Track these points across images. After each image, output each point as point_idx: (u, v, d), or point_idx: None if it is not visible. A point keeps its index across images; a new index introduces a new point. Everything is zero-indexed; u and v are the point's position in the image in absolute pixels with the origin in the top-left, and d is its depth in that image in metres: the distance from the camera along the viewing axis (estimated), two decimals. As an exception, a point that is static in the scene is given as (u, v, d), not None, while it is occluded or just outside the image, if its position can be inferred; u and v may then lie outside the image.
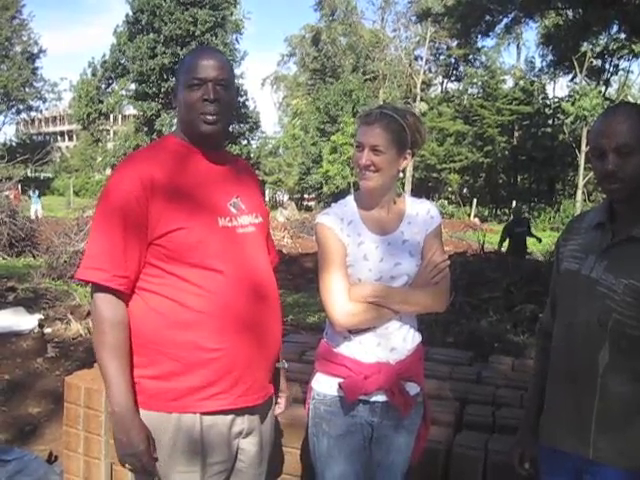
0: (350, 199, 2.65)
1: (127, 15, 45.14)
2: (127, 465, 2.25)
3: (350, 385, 2.49)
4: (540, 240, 14.75)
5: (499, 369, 4.58)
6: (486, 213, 45.84)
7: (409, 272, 2.52)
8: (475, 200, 42.77)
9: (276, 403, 2.64)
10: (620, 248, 2.17)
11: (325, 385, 2.58)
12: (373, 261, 2.49)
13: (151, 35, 43.04)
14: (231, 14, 46.61)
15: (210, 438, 2.27)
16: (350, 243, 2.50)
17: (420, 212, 2.63)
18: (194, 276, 2.21)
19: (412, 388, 2.62)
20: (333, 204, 2.68)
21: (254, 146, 51.97)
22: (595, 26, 10.33)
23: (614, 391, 2.15)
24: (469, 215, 40.67)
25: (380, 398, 2.54)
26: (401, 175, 2.65)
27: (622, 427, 2.16)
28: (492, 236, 15.75)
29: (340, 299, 2.44)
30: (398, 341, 2.55)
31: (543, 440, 2.39)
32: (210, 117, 2.27)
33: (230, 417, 2.31)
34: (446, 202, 44.71)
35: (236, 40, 47.61)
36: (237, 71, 47.63)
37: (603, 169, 2.13)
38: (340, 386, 2.50)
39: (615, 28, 12.49)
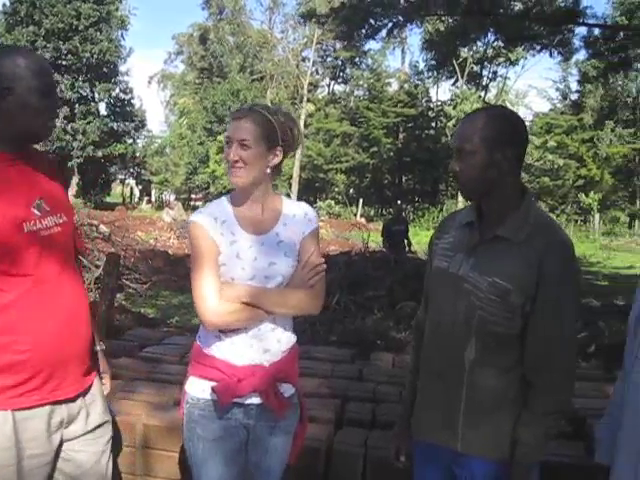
0: (225, 198, 2.61)
1: (4, 5, 43.24)
2: None
3: (223, 388, 2.45)
4: (410, 244, 14.80)
5: (380, 366, 4.64)
6: (372, 213, 46.56)
7: (284, 273, 2.50)
8: (361, 200, 43.35)
9: (103, 384, 2.71)
10: (486, 247, 2.23)
11: (198, 388, 2.53)
12: (246, 260, 2.46)
13: (31, 28, 41.32)
14: (116, 9, 45.38)
15: (26, 433, 2.30)
16: (223, 242, 2.46)
17: (297, 214, 2.61)
18: (3, 283, 2.25)
19: (287, 389, 2.60)
20: (208, 203, 2.65)
21: (140, 145, 50.94)
22: (472, 33, 10.67)
23: (480, 386, 2.22)
24: (355, 215, 41.19)
25: (255, 400, 2.51)
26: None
27: (488, 420, 2.23)
28: (377, 235, 15.98)
29: (210, 298, 2.40)
30: (272, 343, 2.52)
31: (416, 434, 2.44)
32: None
33: (47, 410, 2.36)
34: (333, 202, 45.08)
35: (121, 36, 46.39)
36: (122, 68, 46.68)
37: (449, 168, 2.24)
38: (213, 389, 2.47)
39: (492, 36, 12.99)
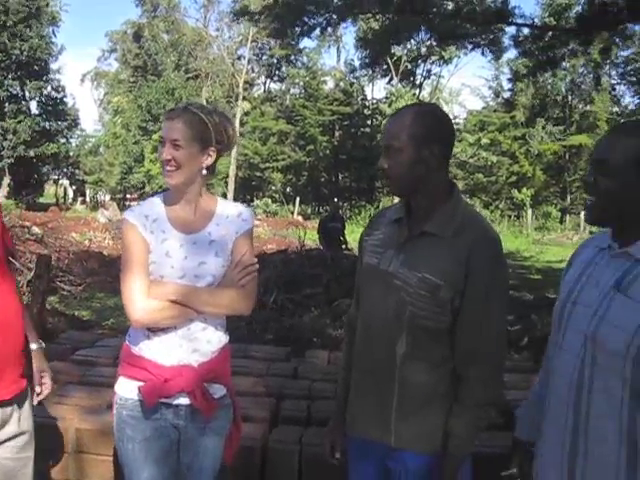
0: (158, 197, 2.61)
1: None
2: None
3: (149, 389, 2.45)
4: (347, 242, 14.87)
5: (315, 363, 4.67)
6: (309, 211, 46.56)
7: (214, 272, 2.50)
8: (298, 198, 43.35)
9: (43, 384, 2.69)
10: (415, 243, 2.26)
11: (127, 389, 2.52)
12: (176, 259, 2.46)
13: (-44, 23, 40.23)
14: (47, 5, 44.27)
15: None
16: (153, 240, 2.46)
17: (230, 214, 2.61)
18: None
19: (218, 390, 2.60)
20: (141, 202, 2.64)
21: (73, 144, 49.94)
22: (405, 32, 10.78)
23: (412, 381, 2.25)
24: (292, 213, 41.16)
25: (184, 401, 2.51)
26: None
27: (420, 414, 2.26)
28: (314, 233, 16.01)
29: (138, 295, 2.40)
30: (202, 343, 2.52)
31: (349, 430, 2.46)
32: None
33: None
34: (270, 201, 44.93)
35: (53, 33, 45.34)
36: (54, 66, 45.67)
37: (377, 166, 2.27)
38: (139, 390, 2.46)
39: (425, 35, 13.14)
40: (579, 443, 1.95)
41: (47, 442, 2.77)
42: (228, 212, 2.62)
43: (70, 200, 51.92)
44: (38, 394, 2.67)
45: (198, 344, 2.51)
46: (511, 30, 11.11)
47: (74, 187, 54.42)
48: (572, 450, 1.97)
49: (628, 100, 52.05)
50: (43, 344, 2.73)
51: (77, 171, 51.12)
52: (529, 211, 40.53)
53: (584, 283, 2.05)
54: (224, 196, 37.73)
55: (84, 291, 11.62)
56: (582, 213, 41.31)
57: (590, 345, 1.93)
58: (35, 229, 15.78)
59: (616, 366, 1.87)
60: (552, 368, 2.13)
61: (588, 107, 46.97)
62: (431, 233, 2.23)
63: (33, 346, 2.64)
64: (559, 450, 2.02)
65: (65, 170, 51.13)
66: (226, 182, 45.09)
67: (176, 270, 2.46)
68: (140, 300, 2.40)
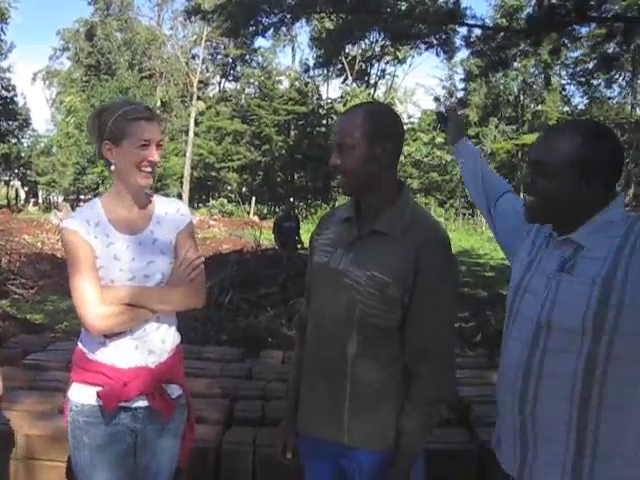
0: (97, 201, 2.58)
1: None
2: None
3: (109, 393, 2.42)
4: (302, 243, 14.84)
5: (270, 363, 4.68)
6: (265, 211, 46.50)
7: (163, 270, 2.50)
8: (254, 198, 43.29)
9: None
10: (364, 241, 2.28)
11: (82, 395, 2.49)
12: (124, 261, 2.44)
13: None
14: (-5, 1, 43.77)
15: None
16: (98, 245, 2.43)
17: (169, 211, 2.62)
18: None
19: (174, 390, 2.60)
20: (78, 207, 2.61)
21: (25, 145, 49.27)
22: (357, 31, 10.81)
23: (363, 379, 2.26)
24: (248, 213, 41.09)
25: (142, 403, 2.49)
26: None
27: (372, 412, 2.28)
28: (270, 233, 16.01)
29: (92, 302, 2.36)
30: (157, 343, 2.51)
31: (301, 429, 2.47)
32: None
33: None
34: (225, 201, 44.76)
35: (1, 30, 44.71)
36: (4, 64, 44.96)
37: (330, 164, 2.27)
38: (99, 395, 2.42)
39: (378, 35, 13.21)
40: (527, 427, 2.06)
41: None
42: (166, 209, 2.62)
43: (22, 202, 51.12)
44: None
45: (153, 345, 2.50)
46: (463, 31, 11.23)
47: (26, 188, 53.63)
48: (522, 432, 2.08)
49: (578, 100, 53.06)
50: None
51: (29, 172, 50.41)
52: (483, 209, 40.94)
53: (533, 271, 2.14)
54: (179, 196, 37.52)
55: (36, 294, 11.43)
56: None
57: (543, 330, 2.01)
58: (-15, 231, 15.52)
59: (573, 345, 1.95)
60: (501, 356, 2.21)
61: (539, 107, 47.69)
62: (381, 232, 2.25)
63: None
64: (511, 433, 2.13)
65: (16, 171, 50.38)
66: (181, 182, 44.78)
67: (125, 272, 2.44)
68: (95, 307, 2.37)
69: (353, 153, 2.22)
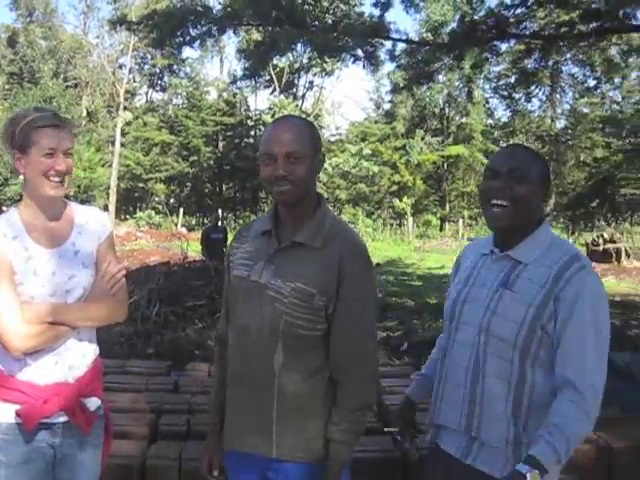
0: (14, 212, 2.49)
1: None
2: None
3: (29, 411, 2.34)
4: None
5: (196, 376, 4.64)
6: (193, 222, 46.13)
7: (84, 284, 2.44)
8: (182, 209, 42.92)
9: None
10: (285, 253, 2.29)
11: (0, 413, 2.40)
12: (44, 276, 2.36)
13: None
14: None
15: None
16: (17, 259, 2.34)
17: (90, 221, 2.56)
18: None
19: (93, 403, 2.54)
20: None
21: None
22: (283, 43, 10.86)
23: (290, 391, 2.27)
24: (176, 225, 40.63)
25: (61, 419, 2.43)
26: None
27: (300, 423, 2.29)
28: (197, 245, 15.87)
29: (13, 322, 2.28)
30: (77, 357, 2.45)
31: (229, 444, 2.44)
32: None
33: None
34: (153, 212, 44.21)
35: None
36: None
37: (274, 173, 2.24)
38: (18, 413, 2.35)
39: (304, 47, 13.31)
40: (473, 423, 2.26)
41: None
42: (87, 218, 2.56)
43: (-60, 213, 49.53)
44: None
45: (73, 360, 2.44)
46: (388, 44, 11.44)
47: (-56, 200, 51.99)
48: (467, 425, 2.27)
49: (501, 113, 54.40)
50: None
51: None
52: (410, 219, 41.62)
53: (471, 285, 2.35)
54: (105, 208, 36.87)
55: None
56: (460, 221, 42.86)
57: (484, 336, 2.23)
58: None
59: (506, 354, 2.18)
60: (448, 360, 2.39)
61: (464, 119, 48.76)
62: (301, 243, 2.27)
63: None
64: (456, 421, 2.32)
65: None
66: (107, 193, 44.03)
67: (46, 288, 2.37)
68: (17, 327, 2.28)
69: (303, 163, 2.23)
